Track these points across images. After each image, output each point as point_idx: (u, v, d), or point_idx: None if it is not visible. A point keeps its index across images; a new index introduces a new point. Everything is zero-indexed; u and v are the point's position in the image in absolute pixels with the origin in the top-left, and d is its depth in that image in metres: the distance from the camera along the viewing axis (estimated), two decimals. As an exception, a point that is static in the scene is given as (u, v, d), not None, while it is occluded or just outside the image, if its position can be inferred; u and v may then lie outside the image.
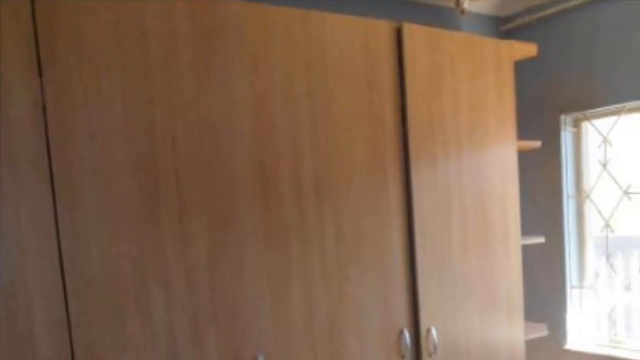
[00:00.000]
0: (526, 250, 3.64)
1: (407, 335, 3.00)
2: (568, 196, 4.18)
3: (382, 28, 2.91)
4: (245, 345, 2.55)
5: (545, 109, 4.17)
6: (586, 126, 4.15)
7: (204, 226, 2.44)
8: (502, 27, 4.18)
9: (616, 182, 3.96)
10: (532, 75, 4.12)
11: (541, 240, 3.88)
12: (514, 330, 3.48)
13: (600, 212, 4.10)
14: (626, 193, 3.90)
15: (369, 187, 2.88)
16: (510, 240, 3.45)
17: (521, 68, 3.73)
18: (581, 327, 4.22)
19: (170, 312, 2.37)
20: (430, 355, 3.08)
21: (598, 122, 4.03)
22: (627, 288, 4.34)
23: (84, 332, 2.18)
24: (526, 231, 3.78)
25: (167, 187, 2.34)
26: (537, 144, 3.82)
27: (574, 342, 4.20)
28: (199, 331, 2.44)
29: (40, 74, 2.08)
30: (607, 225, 4.05)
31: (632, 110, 3.81)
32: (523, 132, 3.64)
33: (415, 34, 3.00)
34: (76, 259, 2.16)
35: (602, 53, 3.80)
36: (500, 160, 3.38)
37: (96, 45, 2.19)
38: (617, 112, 3.87)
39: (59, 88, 2.12)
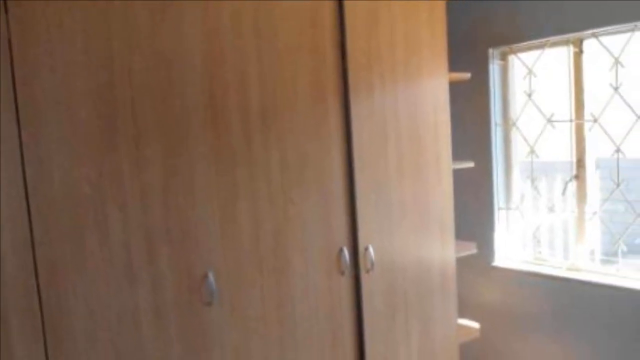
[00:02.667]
0: (457, 174, 3.77)
1: (346, 253, 3.12)
2: (495, 124, 4.33)
3: (324, -30, 2.97)
4: (196, 262, 2.63)
5: (474, 43, 4.29)
6: (512, 59, 4.28)
7: (158, 151, 2.51)
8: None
9: (540, 110, 4.11)
10: (462, 12, 4.22)
11: (470, 164, 4.01)
12: (445, 248, 3.63)
13: (525, 139, 4.25)
14: (549, 121, 4.05)
15: (311, 116, 2.96)
16: (441, 165, 3.56)
17: (452, 5, 3.82)
18: (507, 245, 4.41)
19: (126, 231, 2.44)
20: (367, 271, 3.20)
21: (523, 55, 4.17)
22: (550, 209, 4.48)
23: (46, 251, 2.26)
24: (456, 156, 3.86)
25: (124, 116, 2.41)
26: (467, 75, 3.92)
27: (500, 259, 4.40)
28: (153, 249, 2.52)
29: (6, 11, 2.13)
30: (532, 151, 4.20)
31: (554, 44, 3.95)
32: (454, 65, 3.71)
33: (355, -25, 3.06)
34: (39, 183, 2.22)
35: (527, -10, 3.91)
36: (433, 90, 3.47)
37: (58, -16, 2.23)
38: (541, 46, 4.01)
39: (24, 24, 2.17)
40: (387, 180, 3.30)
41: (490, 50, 4.29)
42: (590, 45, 3.86)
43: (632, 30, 3.56)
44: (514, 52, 4.24)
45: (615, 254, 3.93)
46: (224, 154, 2.71)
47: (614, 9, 3.55)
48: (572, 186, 4.05)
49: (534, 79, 4.17)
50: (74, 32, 2.28)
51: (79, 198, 2.34)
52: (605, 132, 3.80)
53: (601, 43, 3.73)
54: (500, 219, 4.42)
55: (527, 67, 4.17)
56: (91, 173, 2.36)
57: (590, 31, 3.73)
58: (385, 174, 3.29)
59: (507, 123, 4.37)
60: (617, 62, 3.66)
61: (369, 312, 3.25)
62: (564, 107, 3.99)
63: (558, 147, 4.19)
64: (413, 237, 3.45)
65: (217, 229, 2.70)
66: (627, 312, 3.66)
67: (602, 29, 3.68)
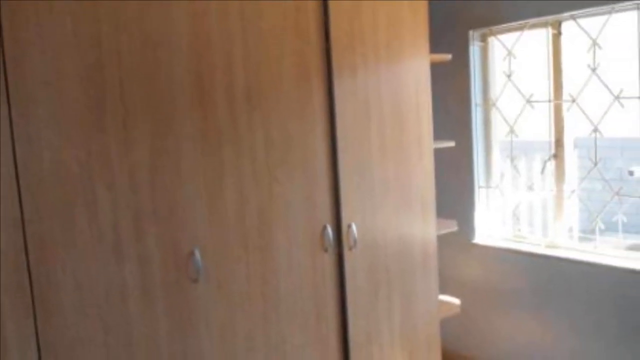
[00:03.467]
0: (438, 153, 3.78)
1: (329, 231, 3.16)
2: (476, 104, 4.38)
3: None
4: (182, 240, 2.66)
5: (455, 26, 4.31)
6: (492, 41, 4.31)
7: (146, 131, 2.54)
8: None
9: (519, 91, 4.15)
10: (444, -6, 4.24)
11: (451, 144, 4.03)
12: (426, 226, 3.66)
13: (505, 119, 4.29)
14: (528, 101, 4.09)
15: (296, 96, 2.99)
16: (423, 144, 3.59)
17: (433, -13, 3.84)
18: (487, 223, 4.46)
19: (114, 210, 2.47)
20: (350, 248, 3.24)
21: (503, 37, 4.21)
22: (530, 187, 4.54)
23: (36, 229, 2.29)
24: (438, 136, 3.88)
25: (112, 96, 2.44)
26: (448, 56, 3.95)
27: (481, 236, 4.45)
28: (141, 227, 2.55)
29: (-3, -6, 2.15)
30: (511, 131, 4.25)
31: (533, 26, 3.98)
32: (435, 47, 3.76)
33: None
34: (29, 162, 2.25)
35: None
36: (414, 71, 3.50)
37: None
38: (520, 28, 4.05)
39: (14, 6, 2.19)
40: (370, 160, 3.34)
41: (471, 32, 4.32)
42: (568, 27, 3.89)
43: (609, 12, 3.60)
44: (494, 34, 4.27)
45: (592, 232, 3.98)
46: (210, 134, 2.73)
47: (591, -8, 3.58)
48: (551, 165, 4.09)
49: (514, 60, 4.20)
50: (63, 15, 2.31)
51: (68, 177, 2.37)
52: (583, 112, 3.83)
53: (579, 25, 3.76)
54: (481, 197, 4.46)
55: (506, 48, 4.20)
56: (80, 152, 2.39)
57: (568, 13, 3.76)
58: (368, 153, 3.32)
59: (487, 103, 4.41)
60: (594, 43, 3.69)
61: (352, 288, 3.28)
62: (543, 88, 4.03)
63: (537, 127, 4.22)
64: (395, 215, 3.48)
65: (203, 207, 2.73)
66: (604, 288, 3.71)
67: (580, 12, 3.71)
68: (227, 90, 2.78)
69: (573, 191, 4.06)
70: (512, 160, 4.39)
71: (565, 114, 3.97)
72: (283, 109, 2.97)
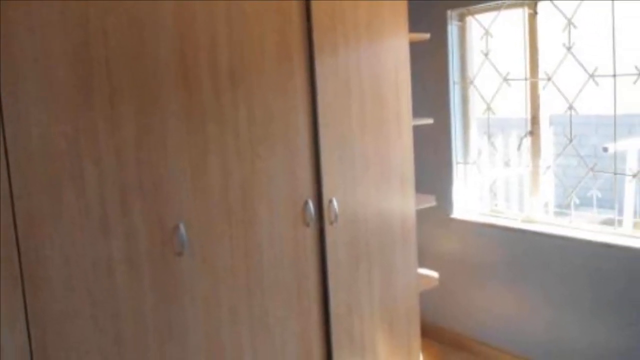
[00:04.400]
0: (416, 130, 3.81)
1: (311, 205, 3.19)
2: (454, 82, 4.40)
3: None
4: (168, 214, 2.69)
5: (433, 5, 4.33)
6: (470, 20, 4.34)
7: (132, 109, 2.56)
8: None
9: (496, 70, 4.19)
10: (422, -26, 4.24)
11: (430, 121, 4.08)
12: (405, 201, 3.69)
13: (482, 97, 4.33)
14: (505, 79, 4.14)
15: (278, 74, 3.01)
16: (402, 121, 3.62)
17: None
18: (465, 198, 4.50)
19: (101, 185, 2.49)
20: (331, 223, 3.28)
21: (480, 17, 4.23)
22: (506, 164, 4.59)
23: (24, 204, 2.31)
24: (416, 113, 3.89)
25: (99, 75, 2.46)
26: (426, 36, 3.97)
27: (458, 211, 4.50)
28: (127, 202, 2.57)
29: (-15, -26, 2.15)
30: (488, 108, 4.29)
31: (510, 6, 4.01)
32: (413, 26, 3.77)
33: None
34: (18, 138, 2.27)
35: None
36: (394, 50, 3.52)
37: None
38: (497, 8, 4.07)
39: None
40: (350, 136, 3.37)
41: (449, 12, 4.33)
42: (544, 7, 3.92)
43: (585, -8, 3.61)
44: (472, 13, 4.29)
45: (567, 207, 4.03)
46: (194, 112, 2.76)
47: (567, -28, 3.60)
48: (527, 142, 4.12)
49: (491, 40, 4.23)
50: (52, -6, 2.33)
51: (56, 153, 2.39)
52: (559, 90, 3.87)
53: (555, 5, 3.78)
54: (458, 173, 4.50)
55: (484, 28, 4.23)
56: (68, 129, 2.41)
57: (544, -7, 3.78)
58: (348, 129, 3.35)
59: (465, 81, 4.44)
60: (569, 23, 3.71)
61: (333, 262, 3.32)
62: (519, 66, 4.05)
63: (513, 105, 4.28)
64: (375, 190, 3.51)
65: (187, 182, 2.76)
66: (578, 262, 3.77)
67: (555, -8, 3.72)
68: (211, 69, 2.80)
69: (548, 167, 4.10)
70: (489, 137, 4.42)
71: (541, 91, 4.00)
72: (265, 86, 2.99)
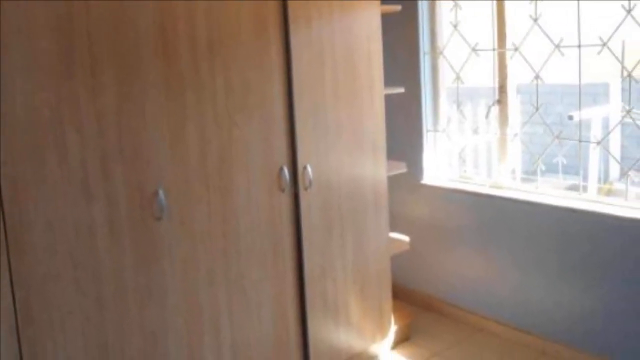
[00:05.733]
0: (388, 98, 3.85)
1: (286, 172, 3.25)
2: (424, 53, 4.43)
3: None
4: (147, 180, 2.76)
5: None
6: None
7: (112, 78, 2.62)
8: None
9: (465, 40, 4.21)
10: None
11: (401, 90, 4.10)
12: (377, 167, 3.74)
13: (451, 67, 4.35)
14: (474, 50, 4.16)
15: (254, 45, 3.06)
16: (374, 90, 3.66)
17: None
18: (435, 165, 4.52)
19: (83, 152, 2.56)
20: (306, 188, 3.35)
21: None
22: (475, 131, 4.68)
23: (9, 170, 2.38)
24: (388, 82, 3.90)
25: (80, 45, 2.52)
26: (397, 7, 3.99)
27: (429, 177, 4.51)
28: (108, 168, 2.64)
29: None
30: (458, 78, 4.31)
31: None
32: None
33: None
34: (3, 107, 2.34)
35: None
36: (366, 22, 3.56)
37: None
38: None
39: None
40: (324, 105, 3.41)
41: (419, -16, 4.34)
42: (512, -20, 3.92)
43: (551, -36, 3.64)
44: (441, -14, 4.30)
45: (534, 173, 4.09)
46: (173, 80, 2.81)
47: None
48: (495, 110, 4.16)
49: (460, 11, 4.25)
50: (34, -32, 2.37)
51: (40, 121, 2.45)
52: (525, 60, 3.90)
53: (522, -23, 3.80)
54: (429, 140, 4.52)
55: (453, 0, 4.24)
56: (51, 98, 2.47)
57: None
58: (322, 98, 3.40)
59: (435, 52, 4.45)
60: None
61: (307, 226, 3.39)
62: (487, 37, 4.07)
63: (482, 74, 4.34)
64: (348, 157, 3.56)
65: (167, 149, 2.82)
66: (544, 226, 3.82)
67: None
68: (190, 41, 2.85)
69: (516, 135, 4.13)
70: (458, 105, 4.45)
71: (509, 62, 4.03)
72: (242, 57, 3.03)
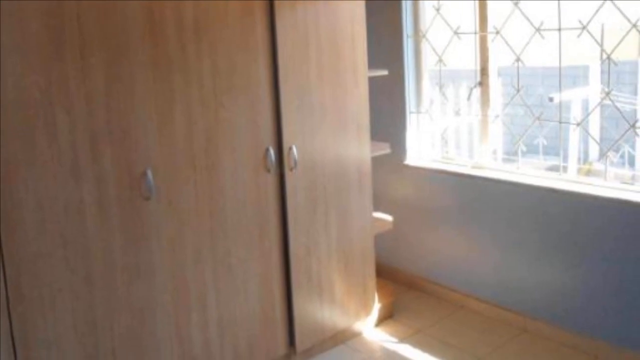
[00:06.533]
0: (372, 81, 3.87)
1: (272, 152, 3.30)
2: (407, 36, 4.45)
3: None
4: (136, 161, 2.81)
5: None
6: None
7: (101, 60, 2.66)
8: None
9: (447, 23, 4.23)
10: None
11: (384, 72, 4.11)
12: (361, 148, 3.78)
13: (434, 49, 4.38)
14: (456, 33, 4.19)
15: (240, 28, 3.10)
16: (358, 72, 3.69)
17: None
18: (418, 146, 4.56)
19: (72, 132, 2.61)
20: (291, 169, 3.39)
21: None
22: (457, 113, 4.70)
23: (0, 150, 2.42)
24: (372, 65, 3.93)
25: (70, 28, 2.55)
26: None
27: (412, 158, 4.55)
28: (97, 148, 2.68)
29: None
30: (440, 60, 4.34)
31: None
32: None
33: None
34: None
35: None
36: (350, 5, 3.59)
37: None
38: None
39: None
40: (309, 87, 3.44)
41: (402, -32, 4.35)
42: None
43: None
44: (423, -31, 4.31)
45: (515, 154, 4.11)
46: (161, 63, 2.85)
47: None
48: (477, 92, 4.19)
49: None
50: (25, -46, 2.40)
51: (30, 102, 2.49)
52: (507, 43, 3.92)
53: (503, -39, 3.83)
54: (412, 121, 4.56)
55: None
56: (41, 80, 2.51)
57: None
58: (307, 80, 3.43)
59: (418, 35, 4.47)
60: None
61: (292, 206, 3.43)
62: (469, 21, 4.10)
63: (464, 57, 4.34)
64: (332, 138, 3.60)
65: (154, 130, 2.86)
66: (525, 206, 3.86)
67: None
68: (177, 24, 2.88)
69: (497, 116, 4.18)
70: (440, 87, 4.47)
71: (490, 44, 4.06)
72: (228, 40, 3.07)
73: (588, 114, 4.70)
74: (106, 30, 2.67)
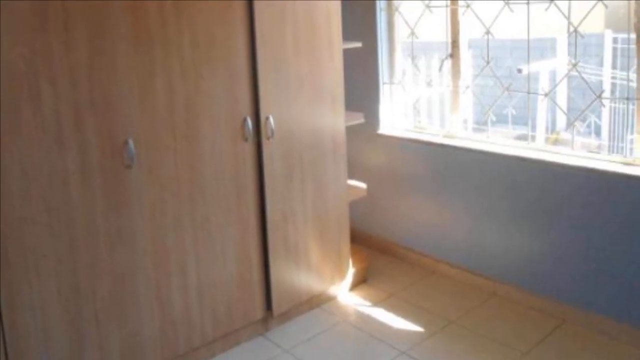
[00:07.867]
0: (346, 52, 3.91)
1: (249, 122, 3.34)
2: (380, 9, 4.49)
3: None
4: (118, 130, 2.86)
5: None
6: None
7: (85, 33, 2.70)
8: None
9: None
10: None
11: (358, 44, 4.16)
12: (336, 118, 3.84)
13: (406, 22, 4.42)
14: (427, 6, 4.24)
15: (219, 2, 3.14)
16: (333, 45, 3.74)
17: None
18: (391, 116, 4.62)
19: (56, 103, 2.65)
20: (268, 138, 3.43)
21: None
22: (428, 84, 4.81)
23: None
24: (346, 37, 3.98)
25: (54, 1, 2.60)
26: None
27: (385, 127, 4.61)
28: (80, 118, 2.73)
29: None
30: (412, 33, 4.39)
31: None
32: None
33: None
34: None
35: None
36: None
37: None
38: None
39: None
40: (286, 58, 3.48)
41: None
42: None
43: None
44: (395, -56, 4.34)
45: (485, 123, 4.19)
46: (142, 35, 2.89)
47: None
48: (448, 64, 4.24)
49: None
50: None
51: (15, 74, 2.54)
52: (477, 16, 3.98)
53: None
54: (385, 92, 4.62)
55: None
56: (25, 52, 2.55)
57: None
58: (283, 52, 3.47)
59: (391, 8, 4.51)
60: None
61: (269, 174, 3.49)
62: None
63: (435, 30, 4.40)
64: (308, 108, 3.65)
65: (136, 101, 2.91)
66: (494, 174, 3.93)
67: None
68: None
69: (467, 87, 4.25)
70: (413, 59, 4.52)
71: (461, 17, 4.11)
72: (208, 14, 3.11)
73: (555, 85, 4.77)
74: (89, 4, 2.71)
